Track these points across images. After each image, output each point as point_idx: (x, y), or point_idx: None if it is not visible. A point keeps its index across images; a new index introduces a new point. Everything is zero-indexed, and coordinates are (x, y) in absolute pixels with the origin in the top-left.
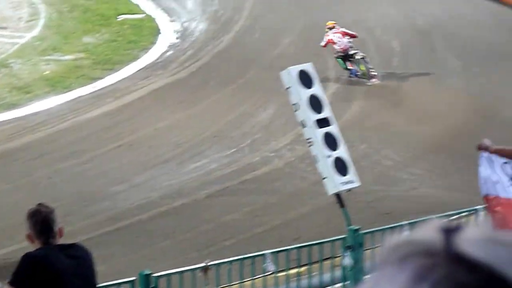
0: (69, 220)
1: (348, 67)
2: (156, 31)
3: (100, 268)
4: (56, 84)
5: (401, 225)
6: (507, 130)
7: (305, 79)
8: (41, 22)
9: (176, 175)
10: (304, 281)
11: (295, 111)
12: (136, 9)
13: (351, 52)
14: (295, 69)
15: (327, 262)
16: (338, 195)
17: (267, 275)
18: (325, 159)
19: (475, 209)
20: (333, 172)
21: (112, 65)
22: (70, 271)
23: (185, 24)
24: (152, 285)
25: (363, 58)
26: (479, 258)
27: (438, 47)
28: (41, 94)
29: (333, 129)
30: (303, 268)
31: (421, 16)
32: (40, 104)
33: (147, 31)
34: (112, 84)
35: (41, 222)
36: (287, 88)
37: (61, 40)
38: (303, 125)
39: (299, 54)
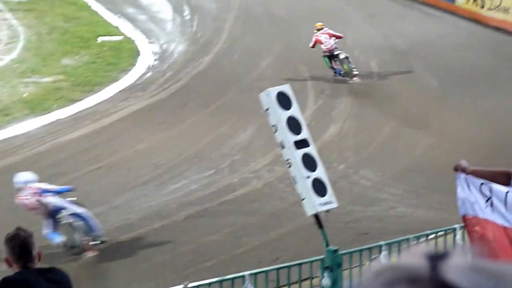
0: (48, 243)
1: (333, 66)
2: (135, 53)
3: None
4: (35, 106)
5: (380, 245)
6: (483, 152)
7: (284, 101)
8: (20, 44)
9: (155, 197)
10: None
11: (274, 132)
12: (115, 31)
13: (336, 52)
14: (273, 91)
15: (306, 283)
16: (316, 216)
17: None
18: (303, 180)
19: (453, 228)
20: (311, 193)
21: (91, 87)
22: None
23: (164, 46)
24: None
25: (346, 58)
26: (463, 287)
27: (416, 68)
28: (20, 116)
29: (311, 150)
30: None
31: (400, 37)
32: (19, 126)
33: (127, 53)
34: (91, 106)
35: (20, 246)
36: (266, 110)
37: (40, 62)
38: (282, 146)
39: (277, 75)
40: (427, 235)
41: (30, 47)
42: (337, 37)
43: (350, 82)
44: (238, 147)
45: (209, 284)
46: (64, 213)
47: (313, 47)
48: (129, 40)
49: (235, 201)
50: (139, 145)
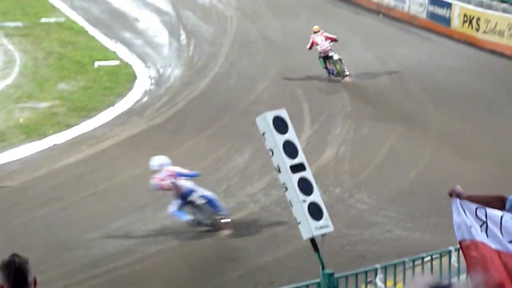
0: (43, 268)
1: (327, 67)
2: (132, 78)
3: None
4: (31, 131)
5: (376, 268)
6: (480, 165)
7: (280, 125)
8: (16, 69)
9: (152, 221)
10: None
11: (271, 156)
12: (112, 56)
13: (331, 54)
14: (270, 115)
15: None
16: (312, 240)
17: None
18: (299, 204)
19: (449, 250)
20: (307, 217)
21: (87, 112)
22: None
23: (161, 70)
24: None
25: (339, 59)
26: None
27: (412, 91)
28: (16, 142)
29: (307, 174)
30: None
31: (395, 60)
32: (15, 152)
33: (123, 78)
34: (88, 131)
35: (15, 273)
36: (263, 134)
37: (36, 87)
38: (278, 170)
39: (274, 99)
40: (423, 257)
41: (26, 72)
42: (332, 40)
43: (342, 81)
44: (234, 171)
45: None
46: (194, 195)
47: (310, 48)
48: (125, 65)
49: (232, 225)
50: (136, 169)
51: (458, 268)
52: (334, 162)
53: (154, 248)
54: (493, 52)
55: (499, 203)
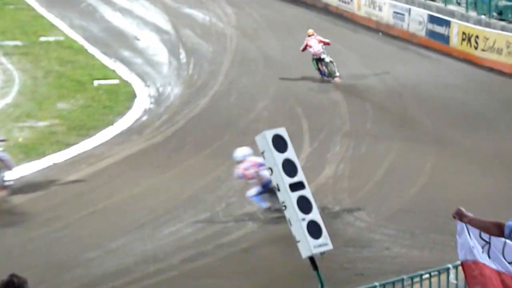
0: None
1: (319, 68)
2: (131, 96)
3: None
4: (31, 151)
5: (374, 286)
6: (479, 182)
7: (279, 144)
8: (15, 88)
9: (151, 240)
10: None
11: (270, 175)
12: (112, 75)
13: (323, 56)
14: (269, 134)
15: None
16: (311, 258)
17: None
18: (298, 222)
19: (447, 268)
20: (306, 235)
21: (87, 131)
22: None
23: (161, 89)
24: None
25: (331, 61)
26: None
27: (411, 108)
28: (15, 161)
29: (306, 192)
30: None
31: (394, 78)
32: (14, 171)
33: (123, 96)
34: (87, 150)
35: None
36: (262, 153)
37: (35, 106)
38: (277, 189)
39: (273, 118)
40: (421, 275)
41: (25, 91)
42: (325, 43)
43: (332, 82)
44: (234, 189)
45: None
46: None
47: (303, 50)
48: (125, 84)
49: (231, 244)
50: (135, 188)
51: (457, 286)
52: (333, 180)
53: (153, 267)
54: (491, 69)
55: (497, 230)
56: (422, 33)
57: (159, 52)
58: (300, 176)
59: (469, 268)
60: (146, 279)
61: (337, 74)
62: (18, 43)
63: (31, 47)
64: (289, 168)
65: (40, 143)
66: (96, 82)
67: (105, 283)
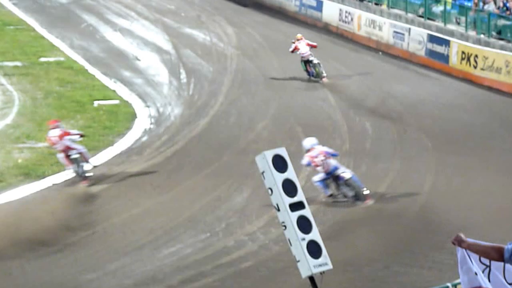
0: None
1: (307, 69)
2: (131, 117)
3: None
4: (30, 172)
5: None
6: (479, 201)
7: (279, 164)
8: (15, 109)
9: (150, 261)
10: None
11: (270, 195)
12: (112, 95)
13: (311, 58)
14: (269, 154)
15: None
16: (311, 278)
17: None
18: (298, 242)
19: (446, 286)
20: (306, 255)
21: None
22: None
23: (161, 109)
24: None
25: (318, 63)
26: None
27: (410, 127)
28: (14, 182)
29: (306, 212)
30: None
31: (394, 97)
32: (13, 192)
33: (123, 117)
34: (87, 171)
35: None
36: (262, 173)
37: (35, 127)
38: (277, 208)
39: (273, 137)
40: None
41: (25, 112)
42: (313, 46)
43: (320, 82)
44: (233, 209)
45: None
46: (339, 171)
47: (292, 51)
48: (125, 104)
49: (231, 264)
50: (134, 209)
51: None
52: (333, 198)
53: None
54: (490, 88)
55: (497, 254)
56: (422, 53)
57: (160, 72)
58: (300, 196)
59: None
60: None
61: (324, 74)
62: (18, 63)
63: (31, 67)
64: (289, 188)
65: (40, 164)
66: (96, 103)
67: None
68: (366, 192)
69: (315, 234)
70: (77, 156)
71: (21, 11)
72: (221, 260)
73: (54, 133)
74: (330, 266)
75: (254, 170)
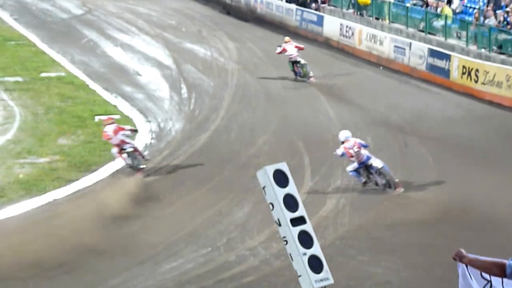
0: None
1: (295, 70)
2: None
3: None
4: (31, 187)
5: None
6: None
7: (280, 179)
8: (16, 124)
9: (152, 276)
10: None
11: (271, 210)
12: (113, 110)
13: (298, 59)
14: (270, 169)
15: None
16: None
17: None
18: (299, 257)
19: None
20: (308, 270)
21: (88, 167)
22: None
23: (162, 124)
24: None
25: (305, 63)
26: None
27: (411, 142)
28: (15, 197)
29: (307, 227)
30: None
31: (395, 112)
32: (14, 208)
33: None
34: (88, 186)
35: None
36: (263, 188)
37: (36, 142)
38: (278, 224)
39: (274, 152)
40: None
41: (26, 128)
42: (300, 48)
43: (307, 81)
44: (235, 224)
45: None
46: (371, 160)
47: (279, 53)
48: (126, 119)
49: (232, 279)
50: (135, 224)
51: None
52: (334, 213)
53: None
54: (491, 103)
55: (499, 270)
56: (423, 67)
57: (161, 87)
58: (301, 211)
59: None
60: None
61: (311, 74)
62: (19, 79)
63: (32, 83)
64: (290, 203)
65: (41, 179)
66: (97, 118)
67: None
68: (397, 180)
69: (316, 249)
70: (131, 149)
71: (22, 27)
72: (223, 275)
73: (109, 129)
74: (331, 281)
75: (255, 185)
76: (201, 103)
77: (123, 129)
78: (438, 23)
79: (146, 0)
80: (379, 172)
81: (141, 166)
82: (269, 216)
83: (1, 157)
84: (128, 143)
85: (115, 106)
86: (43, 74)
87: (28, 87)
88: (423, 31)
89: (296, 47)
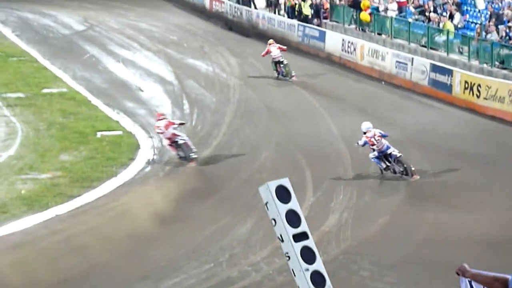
0: None
1: (277, 70)
2: (135, 147)
3: None
4: (33, 203)
5: None
6: (485, 230)
7: (283, 194)
8: (18, 140)
9: None
10: None
11: (274, 226)
12: (115, 126)
13: (281, 59)
14: (273, 185)
15: None
16: None
17: None
18: (302, 273)
19: None
20: (310, 285)
21: (90, 183)
22: None
23: (164, 140)
24: None
25: (287, 63)
26: None
27: (413, 157)
28: (18, 213)
29: (310, 242)
30: None
31: (397, 127)
32: (17, 224)
33: (126, 148)
34: (90, 202)
35: None
36: (266, 204)
37: (38, 158)
38: (281, 239)
39: (276, 167)
40: None
41: (28, 143)
42: (283, 50)
43: (290, 80)
44: (237, 240)
45: None
46: (390, 149)
47: (264, 55)
48: (128, 135)
49: None
50: (138, 240)
51: None
52: (336, 228)
53: None
54: (493, 118)
55: (501, 285)
56: (425, 82)
57: (163, 103)
58: (303, 227)
59: None
60: None
61: (293, 73)
62: (21, 95)
63: (34, 99)
64: (293, 218)
65: (43, 195)
66: (99, 134)
67: None
68: (413, 168)
69: (319, 265)
70: (182, 141)
71: (23, 43)
72: None
73: (161, 124)
74: None
75: (258, 201)
76: (203, 119)
77: (173, 123)
78: (440, 38)
79: (148, 16)
80: (397, 160)
81: (193, 156)
82: (271, 231)
83: (3, 173)
84: (179, 135)
85: (117, 121)
86: (45, 90)
87: (30, 103)
88: (425, 46)
89: (279, 48)
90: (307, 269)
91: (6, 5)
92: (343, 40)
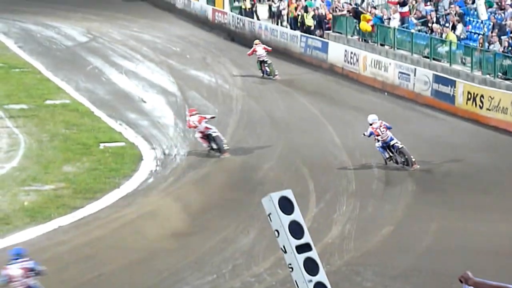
0: None
1: (262, 69)
2: (137, 159)
3: None
4: (36, 214)
5: None
6: (488, 240)
7: (286, 206)
8: (21, 152)
9: None
10: None
11: (277, 237)
12: (118, 137)
13: (265, 59)
14: (275, 196)
15: None
16: None
17: None
18: (305, 284)
19: None
20: None
21: (93, 194)
22: None
23: (167, 151)
24: None
25: (271, 63)
26: None
27: (416, 168)
28: (20, 225)
29: (313, 254)
30: None
31: (400, 138)
32: (20, 235)
33: (129, 159)
34: (93, 213)
35: None
36: (268, 215)
37: (41, 170)
38: (284, 251)
39: (279, 178)
40: None
41: (31, 155)
42: (268, 50)
43: (273, 79)
44: (240, 251)
45: None
46: (393, 141)
47: (250, 54)
48: (131, 146)
49: None
50: (141, 251)
51: None
52: (339, 239)
53: None
54: (496, 128)
55: None
56: (428, 93)
57: (165, 114)
58: (306, 238)
59: None
60: None
61: (276, 73)
62: (24, 106)
63: (37, 110)
64: (296, 230)
65: (46, 206)
66: (102, 145)
67: None
68: (413, 159)
69: (322, 276)
70: (215, 134)
71: (26, 54)
72: None
73: (194, 119)
74: None
75: (261, 212)
76: None
77: (204, 117)
78: (443, 49)
79: (151, 28)
80: (399, 151)
81: (226, 147)
82: (274, 242)
83: (6, 184)
84: (211, 128)
85: (120, 133)
86: (48, 102)
87: (33, 115)
88: (427, 57)
89: (264, 48)
90: (310, 280)
91: (9, 16)
92: (345, 51)
